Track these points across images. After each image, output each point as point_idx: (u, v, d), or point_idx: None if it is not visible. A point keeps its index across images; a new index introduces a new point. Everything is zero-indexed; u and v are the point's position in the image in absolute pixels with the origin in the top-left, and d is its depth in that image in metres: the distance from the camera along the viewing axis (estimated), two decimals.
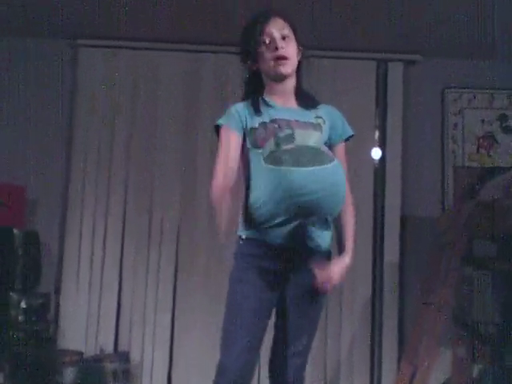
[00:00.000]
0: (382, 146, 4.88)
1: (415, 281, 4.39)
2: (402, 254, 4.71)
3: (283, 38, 2.39)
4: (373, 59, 4.91)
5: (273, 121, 2.34)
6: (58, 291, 4.64)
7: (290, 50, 2.40)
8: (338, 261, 2.37)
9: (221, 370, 2.29)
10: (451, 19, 4.32)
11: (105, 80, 4.84)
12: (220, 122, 2.41)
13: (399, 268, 4.68)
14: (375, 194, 4.81)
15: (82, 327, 4.60)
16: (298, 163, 2.13)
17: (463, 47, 4.72)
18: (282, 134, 2.29)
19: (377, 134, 4.90)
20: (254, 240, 2.30)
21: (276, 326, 2.42)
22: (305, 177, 2.12)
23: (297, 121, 2.35)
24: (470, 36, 4.54)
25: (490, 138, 4.85)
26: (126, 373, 4.42)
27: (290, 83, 2.45)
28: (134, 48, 4.85)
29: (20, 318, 4.10)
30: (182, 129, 4.74)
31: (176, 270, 4.70)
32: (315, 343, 4.57)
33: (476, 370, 3.82)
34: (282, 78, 2.41)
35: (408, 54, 4.88)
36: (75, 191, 4.74)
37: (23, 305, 4.13)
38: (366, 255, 4.71)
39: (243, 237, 2.35)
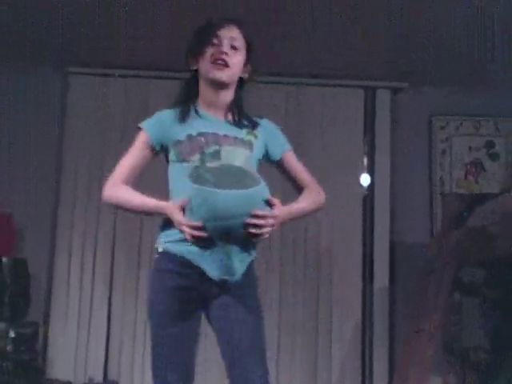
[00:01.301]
0: (371, 172, 4.91)
1: (405, 307, 4.39)
2: (392, 280, 4.72)
3: (232, 47, 2.30)
4: (361, 87, 4.96)
5: (200, 134, 2.24)
6: (46, 320, 4.61)
7: (234, 60, 2.29)
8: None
9: None
10: (438, 47, 4.37)
11: (95, 107, 4.85)
12: (142, 125, 2.33)
13: (389, 294, 4.69)
14: (364, 220, 4.83)
15: (70, 356, 4.56)
16: (220, 185, 2.04)
17: (450, 75, 4.77)
18: (208, 150, 2.20)
19: (365, 160, 4.94)
20: (172, 254, 2.18)
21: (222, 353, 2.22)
22: (227, 200, 2.02)
23: (226, 136, 2.25)
24: (456, 64, 4.59)
25: (478, 164, 4.89)
26: None
27: (227, 95, 2.34)
28: (124, 76, 4.87)
29: (8, 347, 4.06)
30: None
31: None
32: (306, 371, 4.59)
33: None
34: (218, 85, 2.30)
35: (395, 82, 4.93)
36: (64, 219, 4.73)
37: (12, 334, 4.09)
38: (356, 282, 4.72)
39: (160, 249, 2.25)
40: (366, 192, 4.89)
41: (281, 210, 2.15)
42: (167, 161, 2.32)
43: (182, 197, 2.13)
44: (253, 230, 2.07)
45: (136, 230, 4.72)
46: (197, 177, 2.09)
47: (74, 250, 4.69)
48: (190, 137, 2.24)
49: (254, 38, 2.38)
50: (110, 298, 4.67)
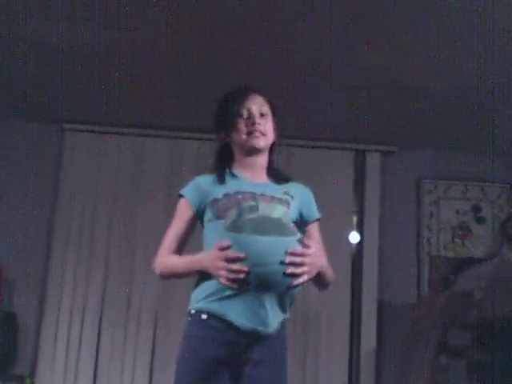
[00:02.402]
0: (360, 230, 4.98)
1: (392, 367, 4.39)
2: (379, 339, 4.74)
3: (261, 114, 2.37)
4: (351, 149, 5.07)
5: (237, 192, 2.27)
6: (33, 374, 4.57)
7: (267, 127, 2.38)
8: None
9: None
10: (427, 113, 4.48)
11: (89, 163, 4.92)
12: (182, 192, 2.36)
13: (376, 353, 4.70)
14: (352, 278, 4.87)
15: None
16: (258, 231, 2.06)
17: (438, 139, 4.89)
18: (245, 205, 2.21)
19: (355, 219, 5.01)
20: (207, 314, 2.16)
21: None
22: (264, 246, 2.04)
23: (262, 194, 2.28)
24: (444, 129, 4.70)
25: (465, 228, 4.96)
26: None
27: (262, 159, 2.40)
28: (118, 133, 4.96)
29: None
30: (164, 214, 4.78)
31: (152, 359, 4.67)
32: None
33: None
34: (254, 152, 2.37)
35: (385, 145, 5.04)
36: (55, 274, 4.74)
37: None
38: (343, 341, 4.73)
39: (192, 311, 2.22)
40: (355, 250, 4.94)
41: (315, 250, 2.17)
42: (202, 225, 2.34)
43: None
44: (291, 270, 2.05)
45: (126, 287, 4.74)
46: (234, 227, 2.12)
47: (63, 304, 4.69)
48: (226, 195, 2.27)
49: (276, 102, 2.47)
50: (96, 355, 4.65)
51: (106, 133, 4.97)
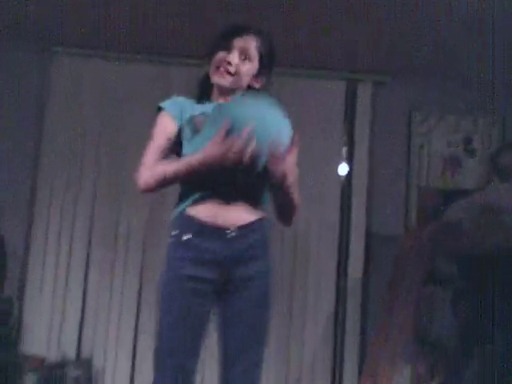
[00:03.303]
0: (350, 162, 4.97)
1: (378, 296, 4.46)
2: (366, 269, 4.79)
3: (245, 57, 2.33)
4: (343, 79, 5.00)
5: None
6: (21, 296, 4.61)
7: (243, 69, 2.33)
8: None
9: None
10: (421, 42, 4.42)
11: (76, 88, 4.84)
12: (163, 104, 2.32)
13: (362, 283, 4.76)
14: (341, 209, 4.89)
15: (44, 333, 4.58)
16: (245, 106, 2.11)
17: (432, 70, 4.83)
18: None
19: (344, 151, 4.99)
20: (189, 222, 2.18)
21: (219, 343, 2.26)
22: (251, 114, 2.08)
23: None
24: (438, 60, 4.66)
25: (455, 160, 4.96)
26: (89, 380, 4.42)
27: (240, 84, 2.36)
28: (105, 57, 4.86)
29: None
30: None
31: (141, 277, 4.71)
32: (277, 358, 4.66)
33: None
34: (223, 90, 2.34)
35: (377, 75, 4.98)
36: (42, 195, 4.73)
37: None
38: (330, 270, 4.78)
39: (173, 233, 2.22)
40: (344, 181, 4.94)
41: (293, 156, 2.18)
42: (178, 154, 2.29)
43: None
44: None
45: (114, 206, 4.75)
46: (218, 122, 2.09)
47: (51, 226, 4.70)
48: (203, 113, 2.25)
49: (274, 51, 2.40)
50: (85, 276, 4.68)
51: (93, 56, 4.86)
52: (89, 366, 4.50)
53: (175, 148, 2.30)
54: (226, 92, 2.34)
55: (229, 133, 2.05)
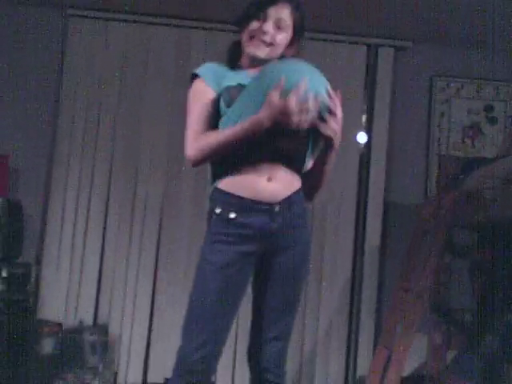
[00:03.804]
0: (369, 130, 4.90)
1: (395, 266, 4.43)
2: (384, 238, 4.76)
3: (278, 26, 2.29)
4: (364, 44, 4.91)
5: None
6: (39, 262, 4.63)
7: (278, 39, 2.30)
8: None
9: (180, 358, 2.20)
10: (444, 7, 4.32)
11: (94, 51, 4.79)
12: (198, 71, 2.28)
13: (380, 252, 4.73)
14: (360, 178, 4.84)
15: (62, 299, 4.60)
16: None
17: (454, 36, 4.73)
18: None
19: (364, 118, 4.92)
20: (232, 200, 2.16)
21: (253, 310, 2.32)
22: (302, 69, 2.12)
23: None
24: (461, 25, 4.55)
25: (476, 128, 4.89)
26: (105, 345, 4.44)
27: (274, 55, 2.33)
28: (124, 20, 4.79)
29: (0, 287, 4.09)
30: (170, 104, 4.71)
31: (158, 245, 4.71)
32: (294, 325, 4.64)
33: (451, 356, 3.89)
34: (255, 60, 2.30)
35: (399, 40, 4.88)
36: (60, 161, 4.71)
37: (4, 274, 4.12)
38: (348, 239, 4.75)
39: (218, 211, 2.19)
40: (363, 150, 4.88)
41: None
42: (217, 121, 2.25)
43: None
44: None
45: (132, 173, 4.73)
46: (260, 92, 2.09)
47: (68, 192, 4.69)
48: (240, 85, 2.21)
49: (306, 19, 2.38)
50: (102, 242, 4.69)
51: (112, 19, 4.79)
52: (105, 331, 4.53)
53: (213, 118, 2.26)
54: (259, 62, 2.29)
55: (282, 93, 2.03)
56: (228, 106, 2.19)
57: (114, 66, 4.79)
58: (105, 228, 4.70)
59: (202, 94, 2.25)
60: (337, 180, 4.74)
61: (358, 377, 4.51)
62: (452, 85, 4.92)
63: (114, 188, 4.73)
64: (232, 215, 2.17)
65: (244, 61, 2.36)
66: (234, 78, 2.25)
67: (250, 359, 2.34)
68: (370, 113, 4.92)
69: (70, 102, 4.75)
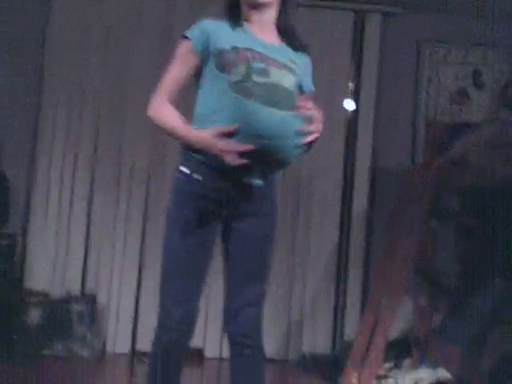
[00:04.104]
0: (356, 96, 4.87)
1: (382, 231, 4.43)
2: (371, 204, 4.76)
3: None
4: (351, 10, 4.86)
5: (247, 49, 2.16)
6: (25, 232, 4.61)
7: None
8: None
9: (161, 318, 2.27)
10: None
11: (77, 22, 4.71)
12: (188, 33, 2.24)
13: (367, 218, 4.73)
14: (347, 144, 4.82)
15: (48, 269, 4.59)
16: (270, 103, 2.02)
17: (441, 1, 4.68)
18: (254, 65, 2.12)
19: (351, 85, 4.89)
20: (200, 165, 2.18)
21: (225, 278, 2.37)
22: (275, 120, 2.01)
23: (273, 59, 2.18)
24: None
25: (463, 93, 4.86)
26: (92, 315, 4.44)
27: (269, 15, 2.27)
28: None
29: None
30: (156, 74, 4.63)
31: (145, 212, 4.69)
32: (280, 294, 4.66)
33: (437, 320, 3.90)
34: (258, 6, 2.23)
35: (386, 6, 4.83)
36: (45, 132, 4.67)
37: None
38: (335, 205, 4.75)
39: (187, 172, 2.22)
40: (350, 116, 4.85)
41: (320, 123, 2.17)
42: (197, 82, 2.25)
43: (219, 108, 2.10)
44: (309, 139, 2.11)
45: (117, 144, 4.69)
46: (242, 88, 2.05)
47: (53, 162, 4.66)
48: (235, 48, 2.16)
49: None
50: (88, 212, 4.67)
51: None
52: (93, 300, 4.53)
53: (194, 78, 2.27)
54: (259, 6, 2.23)
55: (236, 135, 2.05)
56: (221, 70, 2.15)
57: (99, 32, 4.72)
58: (91, 197, 4.68)
59: (185, 57, 2.24)
60: (324, 147, 4.71)
61: (345, 341, 4.52)
62: (440, 50, 4.89)
63: (99, 158, 4.70)
64: (199, 177, 2.19)
65: (244, 8, 2.27)
66: (230, 39, 2.19)
67: (226, 325, 2.41)
68: (358, 79, 4.88)
69: (55, 72, 4.69)
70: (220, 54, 2.16)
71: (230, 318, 2.33)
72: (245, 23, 2.26)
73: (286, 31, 2.31)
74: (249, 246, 2.28)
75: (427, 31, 4.90)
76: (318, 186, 4.74)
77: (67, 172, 4.66)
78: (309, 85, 2.36)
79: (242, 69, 2.11)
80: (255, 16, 2.25)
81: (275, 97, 2.05)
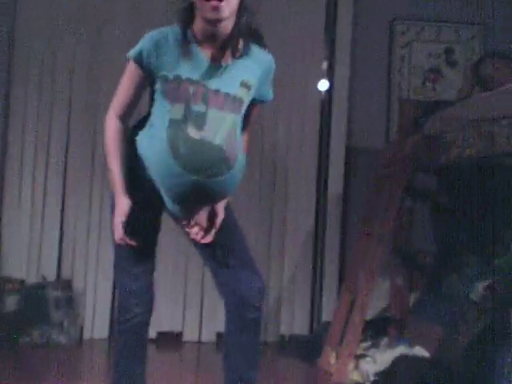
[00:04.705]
0: (330, 77, 4.86)
1: (358, 212, 4.45)
2: (346, 184, 4.77)
3: None
4: None
5: (190, 81, 2.11)
6: None
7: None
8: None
9: (121, 294, 2.36)
10: None
11: (48, 7, 4.63)
12: (130, 54, 2.19)
13: (342, 198, 4.74)
14: (321, 125, 4.82)
15: (23, 255, 4.55)
16: (194, 170, 2.07)
17: None
18: (193, 108, 2.10)
19: (324, 65, 4.87)
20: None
21: (201, 254, 2.40)
22: (196, 185, 2.08)
23: (216, 92, 2.13)
24: None
25: (436, 71, 4.87)
26: (69, 301, 4.42)
27: (225, 28, 2.14)
28: None
29: None
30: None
31: None
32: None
33: (413, 299, 3.94)
34: (214, 24, 2.12)
35: None
36: (16, 116, 4.61)
37: None
38: (310, 185, 4.75)
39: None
40: (324, 96, 4.85)
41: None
42: (152, 87, 2.23)
43: (157, 132, 2.13)
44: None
45: (90, 131, 4.64)
46: (175, 136, 2.08)
47: (26, 147, 4.61)
48: (178, 78, 2.12)
49: None
50: (63, 196, 4.63)
51: None
52: (69, 286, 4.50)
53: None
54: (215, 22, 2.11)
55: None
56: (163, 97, 2.14)
57: (70, 13, 4.64)
58: (65, 180, 4.64)
59: (131, 76, 2.24)
60: (299, 128, 4.74)
61: (323, 322, 4.55)
62: (412, 28, 4.89)
63: (72, 140, 4.65)
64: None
65: (198, 23, 2.16)
66: (174, 63, 2.13)
67: (222, 294, 2.36)
68: (331, 59, 4.87)
69: (23, 61, 4.63)
70: (163, 80, 2.14)
71: (225, 287, 2.33)
72: (197, 31, 2.17)
73: (243, 37, 2.21)
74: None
75: (399, 9, 4.91)
76: (293, 168, 4.74)
77: (40, 156, 4.62)
78: (265, 94, 2.35)
79: (181, 108, 2.11)
80: (209, 30, 2.14)
81: (201, 164, 2.08)
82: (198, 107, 2.11)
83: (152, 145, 2.14)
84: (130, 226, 2.21)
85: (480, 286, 3.30)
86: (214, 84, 2.14)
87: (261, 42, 2.29)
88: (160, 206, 2.25)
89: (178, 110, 2.10)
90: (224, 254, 2.28)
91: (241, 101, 2.19)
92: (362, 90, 4.85)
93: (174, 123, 2.09)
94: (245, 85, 2.20)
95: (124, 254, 2.30)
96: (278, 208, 4.72)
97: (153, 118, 2.20)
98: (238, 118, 2.21)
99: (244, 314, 2.28)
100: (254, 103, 2.31)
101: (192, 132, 2.08)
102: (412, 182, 3.91)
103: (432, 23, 4.89)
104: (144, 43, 2.16)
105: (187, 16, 2.16)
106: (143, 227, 2.27)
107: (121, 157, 2.23)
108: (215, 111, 2.12)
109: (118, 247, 2.28)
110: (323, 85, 4.85)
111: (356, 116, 4.83)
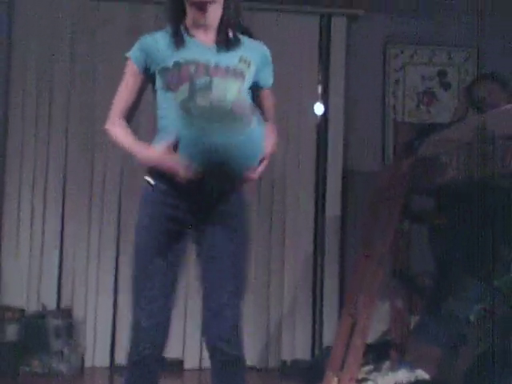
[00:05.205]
0: (325, 100, 4.89)
1: (356, 234, 4.46)
2: (344, 207, 4.79)
3: None
4: (316, 13, 4.88)
5: (189, 62, 2.18)
6: None
7: None
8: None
9: (133, 328, 2.24)
10: None
11: (43, 26, 4.66)
12: (128, 54, 2.27)
13: (340, 221, 4.76)
14: (318, 149, 4.85)
15: (23, 284, 4.55)
16: (210, 131, 1.99)
17: (405, 3, 4.75)
18: (198, 82, 2.14)
19: (320, 88, 4.91)
20: (164, 174, 2.16)
21: (200, 277, 2.31)
22: (216, 147, 1.99)
23: (217, 66, 2.19)
24: None
25: (430, 94, 4.92)
26: (69, 329, 4.41)
27: (215, 14, 2.23)
28: None
29: None
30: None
31: (119, 225, 4.66)
32: (258, 299, 4.66)
33: (413, 321, 3.94)
34: (201, 5, 2.19)
35: (351, 9, 4.87)
36: (14, 143, 4.62)
37: None
38: (308, 209, 4.77)
39: (152, 182, 2.23)
40: (320, 120, 4.88)
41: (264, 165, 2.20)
42: (154, 88, 2.28)
43: (172, 126, 2.10)
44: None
45: (88, 154, 4.66)
46: (187, 111, 2.04)
47: (24, 175, 4.62)
48: (177, 64, 2.18)
49: None
50: (62, 225, 4.63)
51: None
52: (69, 314, 4.50)
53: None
54: (204, 5, 2.20)
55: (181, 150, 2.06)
56: (166, 89, 2.19)
57: (65, 39, 4.68)
58: (63, 209, 4.64)
59: (130, 78, 2.28)
60: (295, 152, 4.76)
61: (324, 346, 4.54)
62: (405, 51, 4.95)
63: (71, 169, 4.66)
64: (163, 187, 2.20)
65: (189, 18, 2.25)
66: (171, 53, 2.20)
67: (203, 331, 2.31)
68: (326, 83, 4.91)
69: (20, 81, 4.64)
70: (163, 72, 2.20)
71: (207, 321, 2.26)
72: (188, 26, 2.25)
73: (233, 27, 2.27)
74: (220, 245, 2.24)
75: (392, 33, 4.96)
76: (291, 192, 4.76)
77: (39, 184, 4.63)
78: (267, 78, 2.37)
79: (185, 88, 2.14)
80: (200, 16, 2.22)
81: (215, 124, 2.02)
82: (203, 80, 2.15)
83: (168, 130, 2.14)
84: (152, 249, 2.20)
85: (479, 308, 3.31)
86: (213, 61, 2.20)
87: (252, 38, 2.36)
88: (185, 243, 2.24)
89: (183, 92, 2.14)
90: (219, 289, 2.24)
91: (242, 73, 2.24)
92: (358, 113, 4.89)
93: (182, 102, 2.10)
94: (244, 60, 2.26)
95: (141, 287, 2.21)
96: (276, 233, 4.73)
97: (160, 112, 2.24)
98: (243, 87, 2.23)
99: (220, 351, 2.23)
100: (258, 88, 2.34)
101: (200, 100, 2.07)
102: (409, 204, 3.92)
103: (425, 46, 4.94)
104: (141, 41, 2.26)
105: (178, 12, 2.25)
106: (172, 256, 2.22)
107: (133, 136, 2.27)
108: (219, 79, 2.17)
109: (136, 279, 2.23)
110: (319, 108, 4.89)
111: (352, 139, 4.87)
